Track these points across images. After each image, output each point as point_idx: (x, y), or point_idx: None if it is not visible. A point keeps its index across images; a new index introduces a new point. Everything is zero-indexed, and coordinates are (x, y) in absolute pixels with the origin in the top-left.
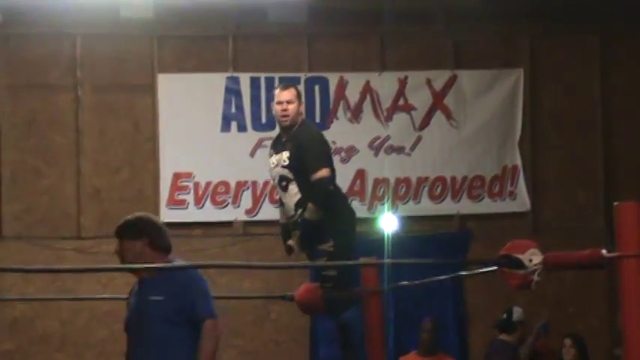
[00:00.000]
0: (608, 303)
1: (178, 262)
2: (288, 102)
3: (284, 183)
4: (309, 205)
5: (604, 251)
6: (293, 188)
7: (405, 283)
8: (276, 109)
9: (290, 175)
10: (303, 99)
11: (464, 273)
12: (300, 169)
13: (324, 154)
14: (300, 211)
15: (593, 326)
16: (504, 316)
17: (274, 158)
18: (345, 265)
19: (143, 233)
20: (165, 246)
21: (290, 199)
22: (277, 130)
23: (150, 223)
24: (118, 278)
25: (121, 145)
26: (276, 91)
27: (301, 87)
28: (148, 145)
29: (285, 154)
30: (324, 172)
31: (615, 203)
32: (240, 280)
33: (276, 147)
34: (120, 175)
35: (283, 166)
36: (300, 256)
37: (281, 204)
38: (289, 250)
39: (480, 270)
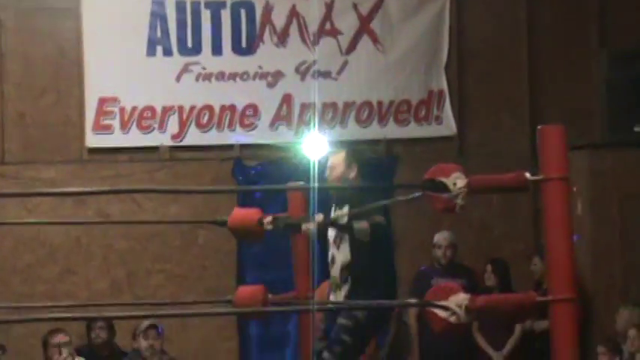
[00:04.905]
0: (534, 226)
1: None
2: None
3: (337, 240)
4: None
5: (528, 174)
6: (345, 247)
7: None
8: None
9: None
10: (353, 164)
11: (391, 200)
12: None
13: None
14: (343, 278)
15: (518, 249)
16: None
17: (332, 210)
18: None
19: None
20: None
21: (339, 258)
22: (204, 54)
23: None
24: (44, 204)
25: (45, 70)
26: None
27: (227, 12)
28: (72, 70)
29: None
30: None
31: (539, 126)
32: (167, 206)
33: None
34: (44, 99)
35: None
36: (226, 180)
37: (332, 259)
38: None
39: (406, 197)
